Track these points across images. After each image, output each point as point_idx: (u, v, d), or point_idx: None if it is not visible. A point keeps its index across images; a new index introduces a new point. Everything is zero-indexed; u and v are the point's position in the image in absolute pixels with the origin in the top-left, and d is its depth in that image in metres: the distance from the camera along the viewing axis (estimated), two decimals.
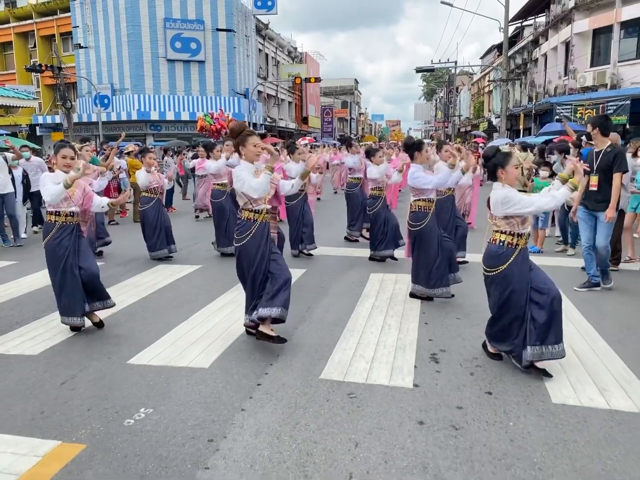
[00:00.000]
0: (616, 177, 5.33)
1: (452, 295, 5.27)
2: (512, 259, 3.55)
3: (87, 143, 8.72)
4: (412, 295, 5.47)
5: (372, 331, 4.52)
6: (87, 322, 4.65)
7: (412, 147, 5.28)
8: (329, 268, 6.88)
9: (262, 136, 30.72)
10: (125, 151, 13.66)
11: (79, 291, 4.45)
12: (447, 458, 2.68)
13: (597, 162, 5.47)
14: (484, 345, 3.99)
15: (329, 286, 6.00)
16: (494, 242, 3.64)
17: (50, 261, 4.49)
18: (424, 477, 2.53)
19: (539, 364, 3.59)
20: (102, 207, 4.76)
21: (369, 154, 7.50)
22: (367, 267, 6.89)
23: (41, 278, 6.28)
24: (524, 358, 3.58)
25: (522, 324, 3.58)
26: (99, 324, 4.70)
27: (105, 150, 12.93)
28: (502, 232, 3.59)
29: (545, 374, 3.57)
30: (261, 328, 4.00)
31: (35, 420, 3.10)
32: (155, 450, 2.77)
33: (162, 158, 15.44)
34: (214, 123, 25.52)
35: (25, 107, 20.14)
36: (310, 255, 7.64)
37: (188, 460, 2.68)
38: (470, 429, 2.95)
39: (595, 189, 5.48)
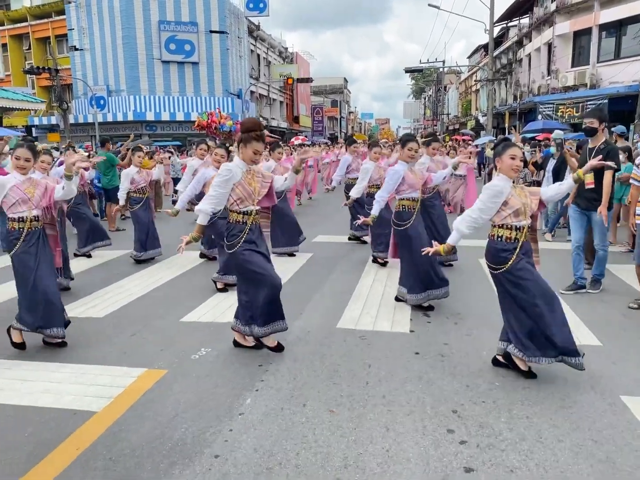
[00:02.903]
0: (607, 174, 5.15)
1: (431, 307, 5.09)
2: (514, 255, 3.34)
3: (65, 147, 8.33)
4: (398, 299, 5.24)
5: (374, 297, 5.49)
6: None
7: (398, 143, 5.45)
8: (332, 252, 7.83)
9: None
10: None
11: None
12: (437, 372, 3.66)
13: (592, 159, 5.14)
14: (508, 359, 3.59)
15: (334, 266, 6.96)
16: (492, 237, 3.46)
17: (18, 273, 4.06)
18: (420, 383, 3.51)
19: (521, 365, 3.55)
20: (64, 187, 4.10)
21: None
22: (367, 250, 7.80)
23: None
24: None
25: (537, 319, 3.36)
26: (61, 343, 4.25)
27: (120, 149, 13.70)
28: (498, 227, 3.41)
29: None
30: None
31: (121, 358, 4.02)
32: (220, 372, 3.72)
33: (169, 158, 16.18)
34: (207, 119, 26.59)
35: (30, 110, 20.88)
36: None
37: (246, 377, 3.63)
38: (454, 357, 3.93)
39: (592, 186, 5.04)
